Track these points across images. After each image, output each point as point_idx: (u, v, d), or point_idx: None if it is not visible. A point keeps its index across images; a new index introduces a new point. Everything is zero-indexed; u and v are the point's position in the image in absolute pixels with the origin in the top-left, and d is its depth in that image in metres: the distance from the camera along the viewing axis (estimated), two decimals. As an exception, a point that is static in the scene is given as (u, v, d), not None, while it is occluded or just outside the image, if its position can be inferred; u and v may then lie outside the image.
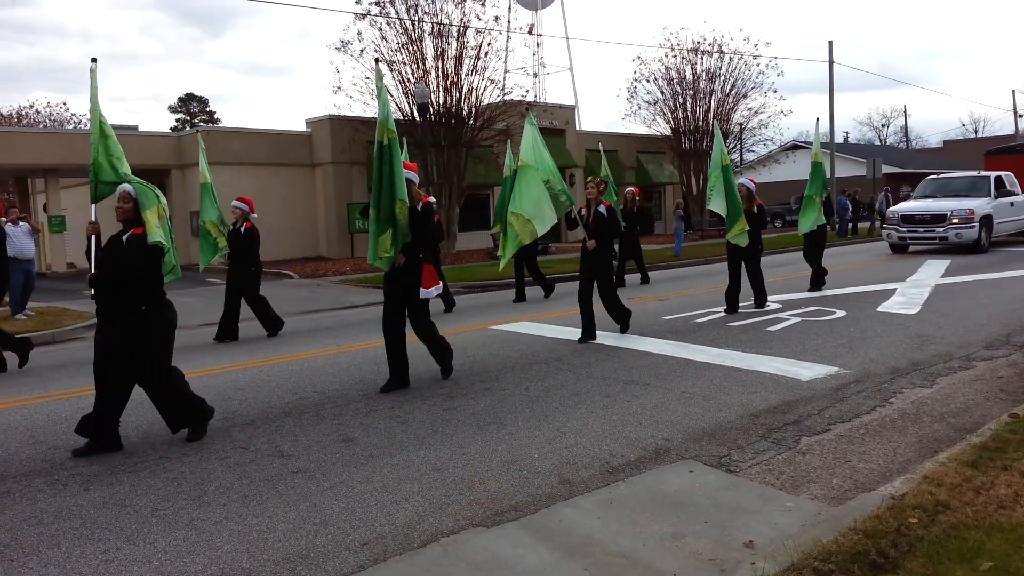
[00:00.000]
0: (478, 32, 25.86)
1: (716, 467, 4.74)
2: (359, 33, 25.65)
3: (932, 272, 14.83)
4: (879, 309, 10.54)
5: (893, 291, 12.24)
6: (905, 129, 74.15)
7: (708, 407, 6.04)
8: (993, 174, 20.90)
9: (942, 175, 23.17)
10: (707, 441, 5.23)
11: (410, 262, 6.96)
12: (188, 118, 60.77)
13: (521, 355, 8.37)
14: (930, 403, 5.95)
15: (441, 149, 25.80)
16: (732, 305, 10.88)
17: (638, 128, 35.59)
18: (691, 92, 33.40)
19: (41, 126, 41.80)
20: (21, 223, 12.74)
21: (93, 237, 5.88)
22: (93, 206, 6.06)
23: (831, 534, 3.47)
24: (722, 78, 33.26)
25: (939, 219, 19.12)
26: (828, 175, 12.18)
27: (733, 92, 33.52)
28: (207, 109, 61.76)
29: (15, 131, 31.19)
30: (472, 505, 4.27)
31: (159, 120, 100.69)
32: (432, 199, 7.23)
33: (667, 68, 33.41)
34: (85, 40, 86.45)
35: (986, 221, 19.13)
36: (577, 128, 36.33)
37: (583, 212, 9.02)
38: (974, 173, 22.09)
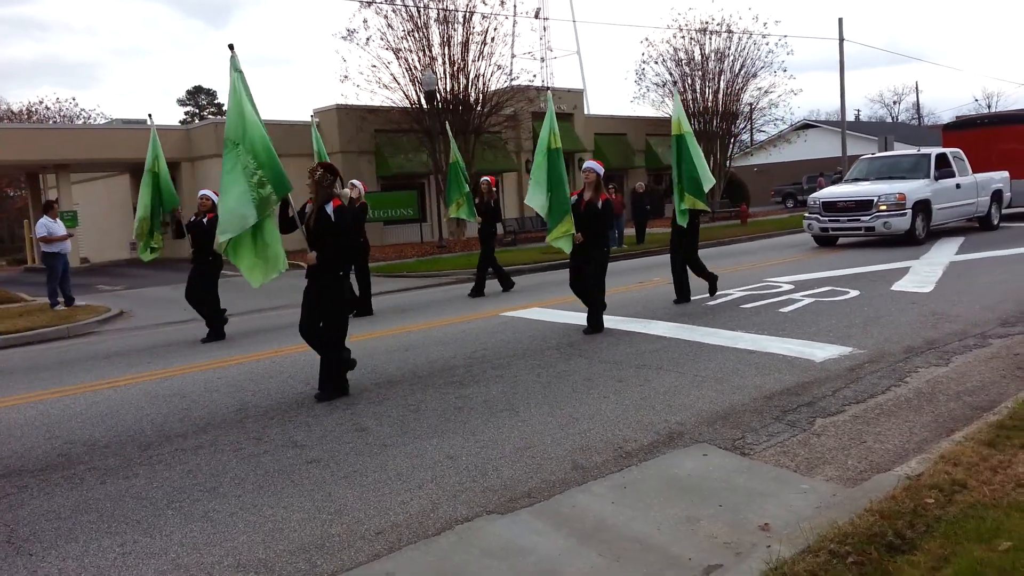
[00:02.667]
0: (484, 17, 25.75)
1: (730, 450, 4.72)
2: (364, 21, 25.73)
3: (946, 250, 14.69)
4: (893, 288, 10.45)
5: (907, 270, 12.13)
6: (917, 106, 73.65)
7: (721, 390, 6.01)
8: (935, 151, 17.60)
9: (879, 154, 20.08)
10: (721, 424, 5.20)
11: None
12: (197, 111, 60.84)
13: (532, 341, 8.36)
14: (946, 382, 5.90)
15: (449, 136, 25.72)
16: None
17: (647, 111, 35.32)
18: (700, 73, 33.12)
19: (51, 122, 41.98)
20: (58, 219, 14.45)
21: None
22: None
23: (847, 516, 3.45)
24: (731, 58, 32.95)
25: (865, 206, 16.13)
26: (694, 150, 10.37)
27: (742, 72, 33.22)
28: (215, 101, 61.77)
29: (26, 127, 31.39)
30: (486, 492, 4.27)
31: (169, 113, 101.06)
32: None
33: (675, 49, 33.17)
34: (91, 34, 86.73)
35: (922, 207, 16.05)
36: (586, 112, 36.17)
37: (307, 209, 6.77)
38: (914, 151, 18.70)
